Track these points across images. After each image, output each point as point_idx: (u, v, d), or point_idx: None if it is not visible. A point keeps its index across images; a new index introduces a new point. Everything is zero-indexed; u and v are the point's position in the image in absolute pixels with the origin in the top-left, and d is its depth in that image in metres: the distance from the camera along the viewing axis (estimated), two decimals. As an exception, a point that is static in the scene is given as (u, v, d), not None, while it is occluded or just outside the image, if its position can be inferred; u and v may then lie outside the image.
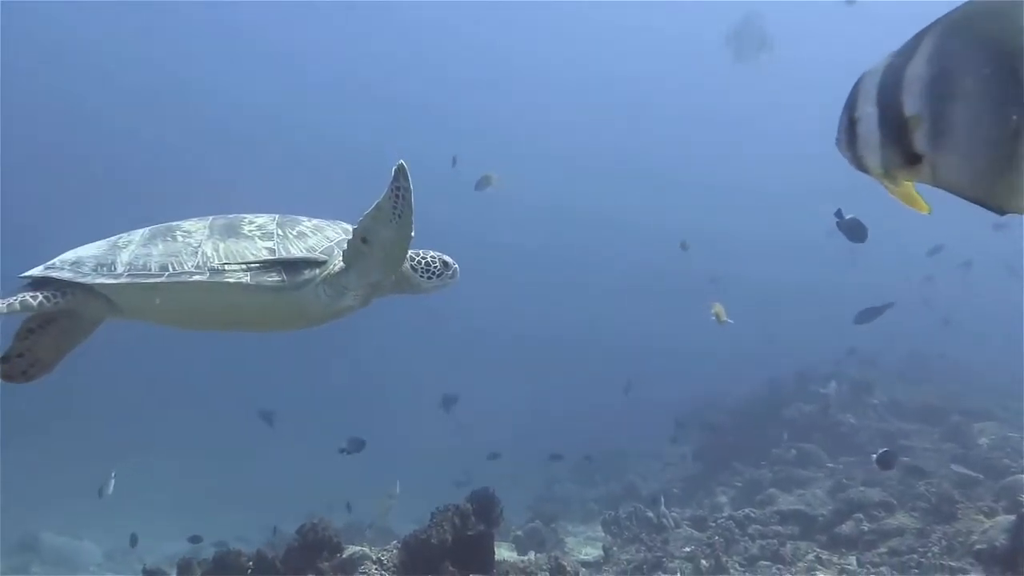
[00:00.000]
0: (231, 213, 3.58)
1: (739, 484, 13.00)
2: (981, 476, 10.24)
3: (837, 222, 8.75)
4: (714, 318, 10.26)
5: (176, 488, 18.44)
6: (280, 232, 3.39)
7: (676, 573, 8.26)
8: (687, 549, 8.87)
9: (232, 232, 3.37)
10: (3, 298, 3.18)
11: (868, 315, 7.99)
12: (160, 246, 3.30)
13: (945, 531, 8.11)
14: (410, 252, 3.57)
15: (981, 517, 8.30)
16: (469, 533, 6.53)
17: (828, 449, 13.13)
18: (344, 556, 6.75)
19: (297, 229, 3.46)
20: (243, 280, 3.21)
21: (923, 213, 1.82)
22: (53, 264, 3.31)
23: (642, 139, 42.84)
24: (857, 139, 1.78)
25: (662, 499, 11.01)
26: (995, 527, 6.92)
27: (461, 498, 6.98)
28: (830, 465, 12.56)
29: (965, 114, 1.52)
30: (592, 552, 9.25)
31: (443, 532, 6.46)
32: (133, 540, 11.50)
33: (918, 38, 1.61)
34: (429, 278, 3.74)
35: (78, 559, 14.59)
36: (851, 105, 1.79)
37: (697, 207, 38.96)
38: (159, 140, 38.21)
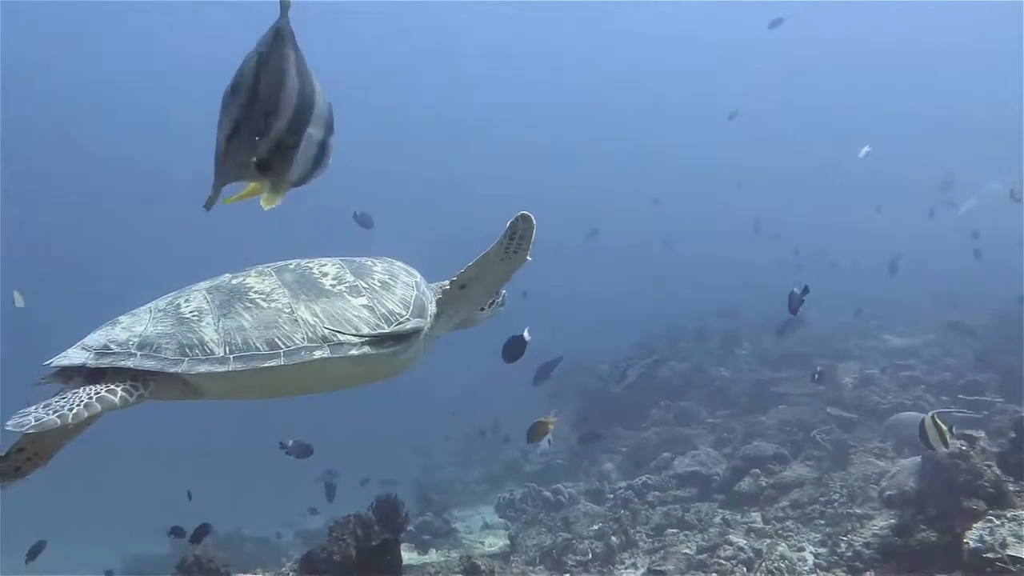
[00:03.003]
0: (277, 262, 3.23)
1: (624, 449, 12.90)
2: (856, 416, 10.57)
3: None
4: None
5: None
6: (364, 284, 3.10)
7: (588, 554, 7.88)
8: (595, 527, 8.52)
9: (314, 289, 3.01)
10: (63, 397, 2.56)
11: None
12: (248, 316, 2.86)
13: (843, 478, 8.19)
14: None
15: (873, 459, 8.47)
16: (373, 543, 6.00)
17: (705, 404, 13.29)
18: None
19: (376, 278, 3.17)
20: (364, 351, 2.90)
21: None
22: (109, 349, 2.72)
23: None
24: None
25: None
26: (902, 472, 6.97)
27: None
28: (710, 420, 12.71)
29: None
30: (496, 542, 8.76)
31: (345, 546, 5.91)
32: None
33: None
34: (482, 309, 3.54)
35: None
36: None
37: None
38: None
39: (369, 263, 3.29)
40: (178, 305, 2.93)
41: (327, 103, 1.93)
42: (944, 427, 5.64)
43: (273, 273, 3.09)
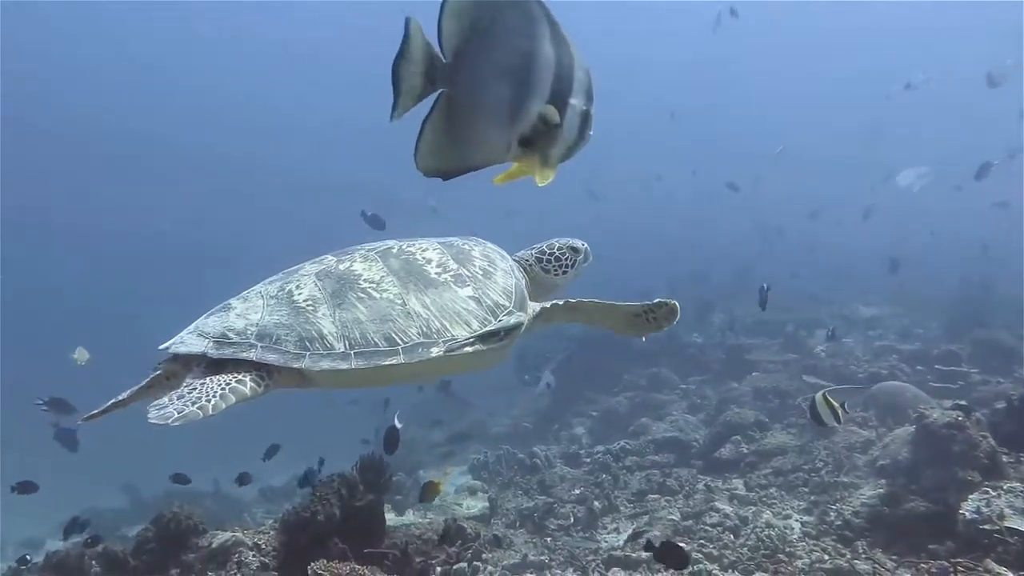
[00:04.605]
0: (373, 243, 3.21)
1: (595, 413, 12.78)
2: (833, 385, 10.56)
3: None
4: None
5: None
6: (467, 272, 3.03)
7: (570, 518, 7.73)
8: (576, 491, 8.37)
9: (421, 279, 2.95)
10: (193, 388, 2.56)
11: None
12: (362, 308, 2.81)
13: (827, 446, 8.14)
14: (534, 253, 3.44)
15: (856, 428, 8.44)
16: (358, 504, 5.75)
17: (678, 371, 13.22)
18: (214, 545, 5.84)
19: (477, 265, 3.10)
20: (477, 347, 2.85)
21: None
22: (228, 338, 2.70)
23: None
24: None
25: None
26: (895, 441, 6.92)
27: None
28: (683, 386, 12.65)
29: None
30: (475, 504, 8.56)
31: (329, 506, 5.63)
32: None
33: None
34: (564, 273, 3.43)
35: None
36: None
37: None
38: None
39: (467, 247, 3.21)
40: (290, 292, 2.86)
41: (586, 70, 1.75)
42: (836, 404, 5.73)
43: (378, 258, 3.01)
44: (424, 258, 3.04)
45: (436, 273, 2.99)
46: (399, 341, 2.75)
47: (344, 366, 2.67)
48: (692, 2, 27.09)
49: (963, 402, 7.12)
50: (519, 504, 8.45)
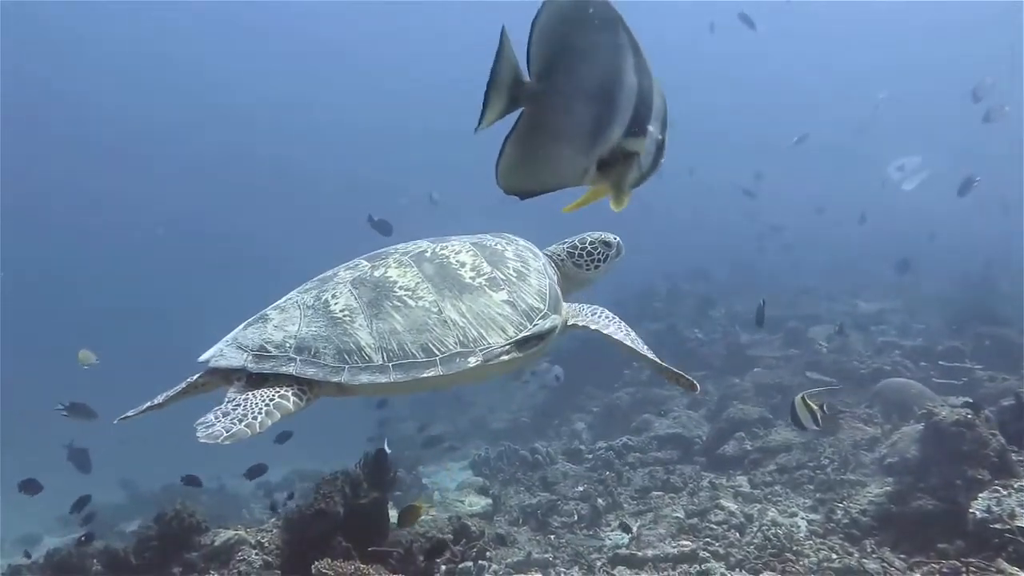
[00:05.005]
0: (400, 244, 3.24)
1: (596, 409, 12.74)
2: (835, 381, 10.51)
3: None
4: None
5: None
6: (501, 275, 3.03)
7: (573, 516, 7.68)
8: (580, 488, 8.32)
9: (456, 284, 2.94)
10: (237, 404, 2.59)
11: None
12: (399, 318, 2.81)
13: (832, 443, 8.09)
14: (565, 248, 3.44)
15: (862, 425, 8.39)
16: (362, 501, 5.65)
17: (679, 366, 13.09)
18: (217, 543, 5.77)
19: (511, 267, 3.09)
20: (514, 355, 2.87)
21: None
22: (267, 351, 2.72)
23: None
24: None
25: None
26: (903, 439, 6.86)
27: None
28: (684, 381, 12.56)
29: None
30: (477, 502, 8.49)
31: (333, 504, 5.54)
32: None
33: None
34: (596, 267, 3.44)
35: None
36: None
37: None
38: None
39: (500, 247, 3.20)
40: (327, 302, 2.87)
41: (663, 98, 1.77)
42: (815, 407, 5.75)
43: (413, 264, 3.01)
44: (458, 261, 3.04)
45: (470, 277, 2.98)
46: (436, 352, 2.75)
47: (383, 380, 2.68)
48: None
49: (970, 399, 7.07)
50: (521, 501, 8.40)
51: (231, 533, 5.87)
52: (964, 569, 4.93)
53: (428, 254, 3.07)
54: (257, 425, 2.51)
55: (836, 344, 12.20)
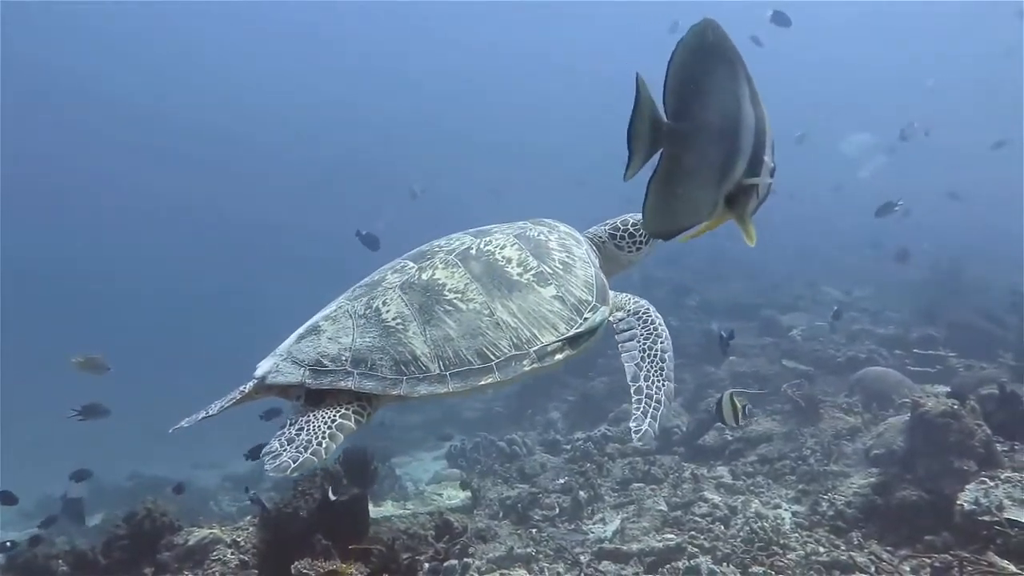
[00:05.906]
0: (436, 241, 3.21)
1: (571, 398, 12.63)
2: (812, 369, 10.53)
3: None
4: None
5: None
6: (548, 269, 2.98)
7: (555, 508, 7.55)
8: (560, 481, 8.19)
9: (504, 283, 2.90)
10: (300, 428, 2.53)
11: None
12: (451, 323, 2.76)
13: (813, 434, 8.06)
14: (607, 229, 3.41)
15: (842, 414, 8.38)
16: (341, 498, 5.46)
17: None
18: (191, 543, 5.56)
19: (556, 259, 3.04)
20: (567, 352, 2.85)
21: None
22: (323, 365, 2.66)
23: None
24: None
25: None
26: (889, 430, 6.83)
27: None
28: (660, 370, 12.50)
29: None
30: (456, 495, 8.33)
31: (311, 501, 5.37)
32: None
33: None
34: (638, 249, 3.39)
35: None
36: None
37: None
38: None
39: (543, 238, 3.14)
40: (378, 309, 2.81)
41: (769, 124, 1.79)
42: (739, 405, 5.93)
43: (460, 263, 2.95)
44: (504, 258, 2.99)
45: (518, 274, 2.94)
46: (492, 356, 2.72)
47: (442, 390, 2.64)
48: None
49: (949, 388, 7.07)
50: (500, 493, 8.24)
51: (205, 532, 5.66)
52: (957, 564, 4.89)
53: (474, 251, 3.02)
54: (323, 451, 2.47)
55: (810, 332, 12.24)
